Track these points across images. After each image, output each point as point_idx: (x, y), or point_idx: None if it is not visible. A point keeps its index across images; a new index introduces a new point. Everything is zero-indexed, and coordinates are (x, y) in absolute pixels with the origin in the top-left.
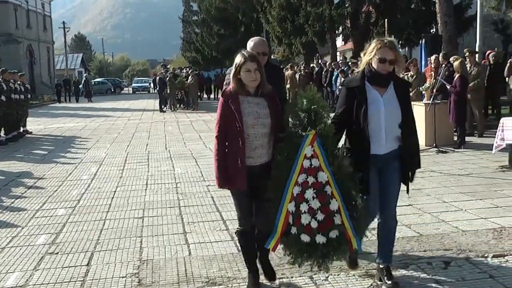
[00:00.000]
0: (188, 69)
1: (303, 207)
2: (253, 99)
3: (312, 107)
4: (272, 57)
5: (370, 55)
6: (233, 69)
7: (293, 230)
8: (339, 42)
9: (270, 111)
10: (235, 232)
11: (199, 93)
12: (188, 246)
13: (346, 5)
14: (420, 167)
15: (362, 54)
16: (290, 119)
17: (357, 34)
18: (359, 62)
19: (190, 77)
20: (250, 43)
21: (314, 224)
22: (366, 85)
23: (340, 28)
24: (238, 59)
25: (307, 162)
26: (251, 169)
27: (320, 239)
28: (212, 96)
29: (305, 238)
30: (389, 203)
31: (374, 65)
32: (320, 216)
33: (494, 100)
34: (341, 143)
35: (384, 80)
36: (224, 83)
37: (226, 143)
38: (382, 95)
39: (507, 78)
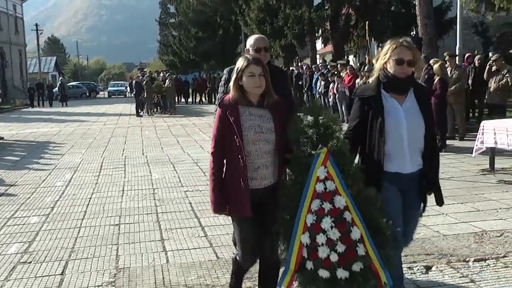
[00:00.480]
0: (165, 72)
1: (320, 238)
2: (255, 111)
3: (321, 120)
4: None
5: (384, 58)
6: (234, 74)
7: (309, 265)
8: (319, 44)
9: (275, 125)
10: (233, 261)
11: (176, 97)
12: (166, 254)
13: (326, 8)
14: (440, 191)
15: (374, 61)
16: (295, 136)
17: (337, 37)
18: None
19: (167, 80)
20: (250, 40)
21: (333, 257)
22: (382, 94)
23: (320, 30)
24: (241, 62)
25: (320, 186)
26: (255, 193)
27: (342, 274)
28: (190, 100)
29: (324, 273)
30: (408, 232)
31: (390, 68)
32: (340, 248)
33: (479, 103)
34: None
35: (403, 85)
36: (219, 90)
37: (224, 161)
38: (401, 104)
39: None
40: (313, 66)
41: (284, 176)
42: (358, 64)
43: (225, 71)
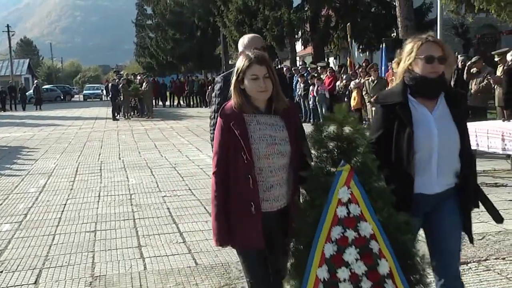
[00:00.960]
0: (142, 75)
1: (342, 273)
2: (264, 118)
3: (344, 132)
4: (229, 62)
5: (408, 58)
6: (233, 76)
7: None
8: (299, 46)
9: (289, 134)
10: None
11: (154, 100)
12: (143, 260)
13: (305, 9)
14: (478, 206)
15: (394, 65)
16: (313, 151)
17: (317, 38)
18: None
19: (144, 83)
20: (244, 40)
21: None
22: (409, 100)
23: (300, 32)
24: (241, 62)
25: (342, 210)
26: (266, 217)
27: None
28: (167, 103)
29: None
30: (449, 259)
31: (418, 69)
32: (366, 284)
33: None
34: None
35: (435, 87)
36: (213, 94)
37: (229, 182)
38: (431, 111)
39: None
40: (292, 69)
41: (298, 197)
42: (338, 67)
43: (218, 79)
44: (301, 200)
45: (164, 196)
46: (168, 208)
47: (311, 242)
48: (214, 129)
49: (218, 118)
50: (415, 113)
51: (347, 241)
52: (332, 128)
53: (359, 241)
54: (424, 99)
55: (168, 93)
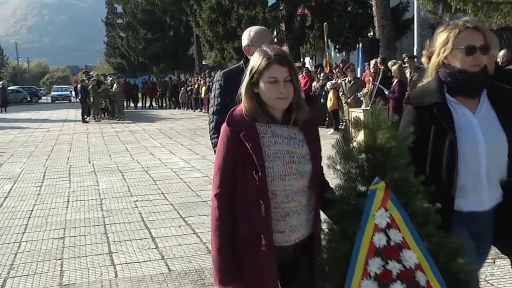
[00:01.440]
0: (113, 76)
1: None
2: (281, 130)
3: (379, 141)
4: (203, 62)
5: (444, 50)
6: (246, 77)
7: None
8: None
9: (310, 151)
10: None
11: (125, 102)
12: (114, 267)
13: (281, 8)
14: None
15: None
16: (339, 167)
17: (292, 38)
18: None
19: (115, 84)
20: (250, 33)
21: None
22: (448, 100)
23: (275, 31)
24: (257, 60)
25: (381, 238)
26: (280, 252)
27: None
28: (139, 104)
29: None
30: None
31: (457, 61)
32: None
33: None
34: None
35: (477, 83)
36: (212, 94)
37: (233, 208)
38: (474, 113)
39: None
40: None
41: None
42: (314, 67)
43: (218, 76)
44: (326, 230)
45: (136, 200)
46: (140, 213)
47: (343, 281)
48: (214, 134)
49: (225, 126)
50: (455, 116)
51: (390, 275)
52: (362, 136)
53: (405, 274)
54: (464, 98)
55: (140, 95)
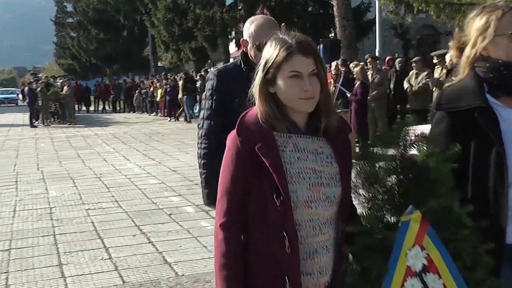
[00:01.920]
0: (63, 78)
1: None
2: (305, 142)
3: (410, 159)
4: (159, 64)
5: (483, 38)
6: (258, 74)
7: None
8: (232, 47)
9: (340, 169)
10: None
11: (76, 105)
12: (65, 280)
13: (239, 8)
14: None
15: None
16: (362, 191)
17: None
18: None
19: (65, 87)
20: (250, 27)
21: None
22: (490, 102)
23: (233, 32)
24: (273, 50)
25: (415, 284)
26: None
27: None
28: (92, 108)
29: None
30: None
31: (501, 52)
32: None
33: (401, 108)
34: None
35: None
36: (203, 95)
37: (244, 240)
38: None
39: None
40: None
41: (344, 265)
42: None
43: (210, 74)
44: (348, 270)
45: (88, 209)
46: (92, 222)
47: None
48: (204, 143)
49: (233, 136)
50: (502, 123)
51: None
52: (391, 154)
53: None
54: (510, 98)
55: (92, 98)
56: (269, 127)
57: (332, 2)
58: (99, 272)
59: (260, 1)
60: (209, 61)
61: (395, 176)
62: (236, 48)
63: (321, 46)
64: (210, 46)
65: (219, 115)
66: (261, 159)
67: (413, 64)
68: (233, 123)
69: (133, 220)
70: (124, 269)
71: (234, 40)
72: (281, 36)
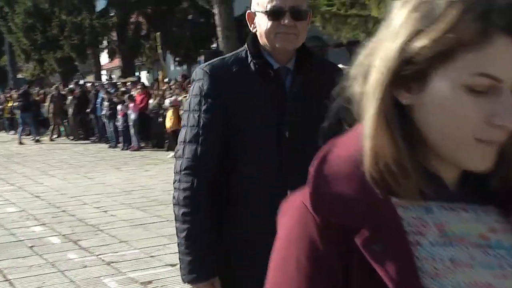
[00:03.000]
0: None
1: None
2: (463, 218)
3: None
4: (19, 76)
5: None
6: (383, 68)
7: None
8: (104, 58)
9: None
10: None
11: None
12: None
13: (111, 15)
14: None
15: None
16: None
17: (126, 49)
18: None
19: None
20: None
21: None
22: None
23: (105, 41)
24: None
25: None
26: None
27: None
28: None
29: None
30: None
31: None
32: None
33: None
34: None
35: None
36: (184, 107)
37: None
38: None
39: None
40: (96, 84)
41: None
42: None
43: (199, 72)
44: None
45: None
46: None
47: None
48: (186, 182)
49: (301, 207)
50: None
51: None
52: None
53: None
54: None
55: None
56: (384, 193)
57: (213, 11)
58: None
59: (135, 7)
60: (78, 73)
61: None
62: (109, 59)
63: (202, 57)
64: (78, 57)
65: (213, 138)
66: (370, 265)
67: None
68: (242, 159)
69: None
70: None
71: (106, 50)
72: None
